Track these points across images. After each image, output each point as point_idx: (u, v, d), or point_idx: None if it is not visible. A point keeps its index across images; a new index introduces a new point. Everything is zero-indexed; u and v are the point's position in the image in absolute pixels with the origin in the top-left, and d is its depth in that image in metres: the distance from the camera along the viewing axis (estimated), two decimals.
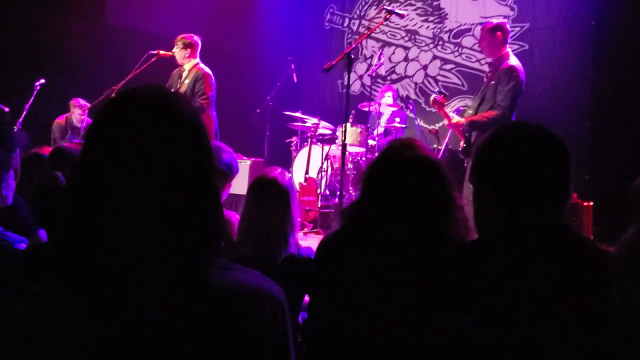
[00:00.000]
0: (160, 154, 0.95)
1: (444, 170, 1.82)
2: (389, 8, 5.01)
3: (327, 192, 6.96)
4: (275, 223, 2.23)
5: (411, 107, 7.42)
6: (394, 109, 7.23)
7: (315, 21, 9.48)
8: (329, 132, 7.21)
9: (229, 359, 0.94)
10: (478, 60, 7.78)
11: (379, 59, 6.80)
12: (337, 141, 6.87)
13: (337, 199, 5.88)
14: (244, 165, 6.66)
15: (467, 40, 7.94)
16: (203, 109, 5.56)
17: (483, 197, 1.41)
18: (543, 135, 1.36)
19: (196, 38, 5.90)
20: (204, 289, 0.96)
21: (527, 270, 1.23)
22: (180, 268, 0.94)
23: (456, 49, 8.03)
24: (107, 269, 0.94)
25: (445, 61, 8.14)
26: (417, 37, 8.42)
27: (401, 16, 5.03)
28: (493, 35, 4.73)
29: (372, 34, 8.19)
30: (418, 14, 8.38)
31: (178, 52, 5.85)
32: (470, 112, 4.91)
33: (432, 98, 4.91)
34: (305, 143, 7.25)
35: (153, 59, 5.85)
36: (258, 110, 7.66)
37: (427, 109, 8.09)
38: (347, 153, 5.67)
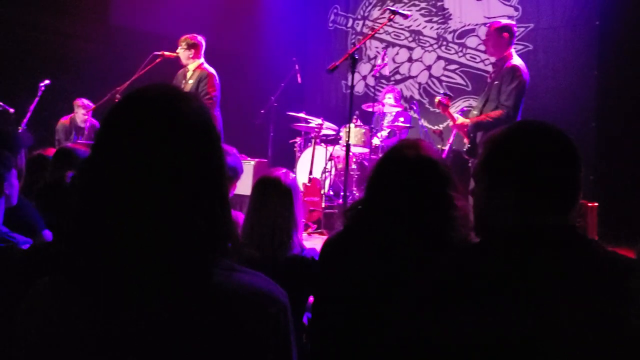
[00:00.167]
0: (170, 154, 0.95)
1: (444, 170, 1.81)
2: (392, 8, 5.00)
3: (331, 193, 6.96)
4: (279, 223, 2.23)
5: (415, 108, 7.41)
6: (398, 109, 7.22)
7: (319, 22, 9.48)
8: (332, 132, 7.21)
9: None
10: (482, 61, 7.77)
11: (383, 59, 6.80)
12: (340, 142, 6.87)
13: (341, 200, 5.88)
14: (248, 166, 6.67)
15: (471, 41, 7.92)
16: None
17: (491, 198, 1.40)
18: (554, 135, 1.36)
19: (200, 38, 5.91)
20: (207, 290, 0.95)
21: (535, 272, 1.23)
22: (183, 269, 0.94)
23: (460, 49, 8.02)
24: (110, 268, 0.94)
25: (449, 61, 8.13)
26: (421, 37, 8.42)
27: (405, 16, 5.03)
28: (500, 36, 4.73)
29: (376, 35, 8.19)
30: (422, 15, 8.38)
31: (182, 52, 5.86)
32: (474, 112, 4.91)
33: (436, 100, 4.92)
34: (309, 143, 7.25)
35: (158, 60, 5.86)
36: (262, 111, 7.66)
37: (431, 109, 8.08)
38: (351, 153, 5.67)
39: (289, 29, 9.19)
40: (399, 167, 1.84)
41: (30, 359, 0.97)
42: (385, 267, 1.76)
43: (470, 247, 1.56)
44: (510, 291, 1.22)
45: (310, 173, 6.86)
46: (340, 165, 6.95)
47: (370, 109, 6.66)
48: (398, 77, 8.59)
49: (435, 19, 8.28)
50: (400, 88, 8.16)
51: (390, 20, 4.91)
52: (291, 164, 7.41)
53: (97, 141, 0.99)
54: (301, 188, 6.27)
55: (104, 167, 0.96)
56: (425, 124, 7.62)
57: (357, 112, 6.68)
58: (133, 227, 0.93)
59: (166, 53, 5.89)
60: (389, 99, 7.23)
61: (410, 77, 8.51)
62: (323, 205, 6.57)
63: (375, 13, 8.87)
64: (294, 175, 2.41)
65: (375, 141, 6.73)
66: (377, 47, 8.81)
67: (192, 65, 5.89)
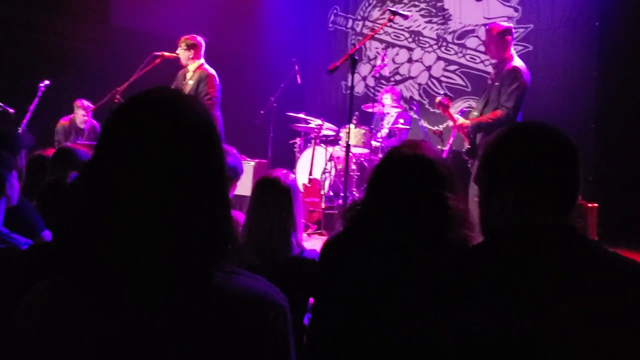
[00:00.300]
0: (171, 156, 0.95)
1: (442, 170, 1.81)
2: (392, 9, 5.00)
3: (331, 193, 6.96)
4: (277, 224, 2.23)
5: (415, 109, 7.41)
6: (398, 110, 7.23)
7: (319, 22, 9.49)
8: (332, 133, 7.21)
9: None
10: (482, 62, 7.77)
11: (383, 60, 6.80)
12: (340, 142, 6.88)
13: (340, 200, 5.88)
14: (248, 166, 6.67)
15: (471, 41, 7.93)
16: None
17: (492, 198, 1.40)
18: (553, 135, 1.36)
19: (199, 39, 5.91)
20: (206, 292, 0.96)
21: (535, 272, 1.23)
22: (183, 269, 0.95)
23: (460, 50, 8.03)
24: (110, 268, 0.94)
25: (449, 62, 8.14)
26: (420, 38, 8.42)
27: (405, 17, 5.04)
28: (503, 39, 4.76)
29: (376, 35, 8.19)
30: (422, 15, 8.38)
31: (182, 53, 5.86)
32: (475, 113, 4.91)
33: (437, 100, 4.92)
34: (309, 144, 7.25)
35: (157, 60, 5.86)
36: (262, 112, 7.66)
37: (431, 110, 8.08)
38: (350, 154, 5.67)
39: (288, 29, 9.20)
40: (397, 167, 1.84)
41: (30, 359, 0.97)
42: (385, 268, 1.76)
43: (470, 247, 1.57)
44: (511, 291, 1.22)
45: (310, 174, 6.86)
46: (340, 166, 6.95)
47: (370, 110, 6.67)
48: (398, 77, 8.60)
49: (435, 19, 8.29)
50: (400, 89, 8.16)
51: (390, 20, 4.91)
52: (291, 165, 7.41)
53: (99, 143, 1.00)
54: (301, 189, 6.27)
55: (106, 168, 0.97)
56: (425, 124, 7.62)
57: (356, 113, 6.68)
58: (134, 227, 0.93)
59: (166, 53, 5.89)
60: (386, 99, 7.23)
61: (410, 77, 8.51)
62: (323, 205, 6.57)
63: (375, 14, 8.88)
64: (294, 176, 2.42)
65: (375, 143, 6.73)
66: (377, 48, 8.82)
67: (192, 66, 5.89)
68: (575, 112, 6.65)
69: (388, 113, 7.27)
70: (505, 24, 5.03)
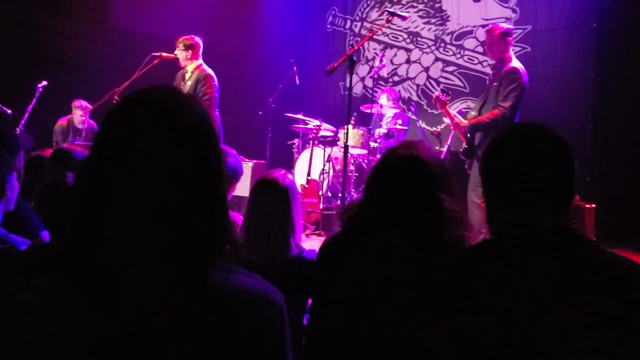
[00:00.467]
0: (169, 155, 0.95)
1: (437, 171, 1.81)
2: (391, 10, 5.01)
3: (329, 194, 6.96)
4: (276, 224, 2.23)
5: (413, 109, 7.42)
6: (396, 110, 7.23)
7: (317, 23, 9.49)
8: (330, 134, 7.21)
9: None
10: (480, 63, 7.78)
11: (381, 61, 6.80)
12: (339, 143, 6.88)
13: (339, 201, 5.88)
14: (246, 167, 6.66)
15: (469, 43, 7.94)
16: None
17: (489, 197, 1.41)
18: (549, 136, 1.36)
19: (197, 39, 5.91)
20: (204, 291, 0.96)
21: (533, 272, 1.23)
22: (182, 268, 0.95)
23: (458, 51, 8.04)
24: (109, 268, 0.94)
25: (447, 63, 8.14)
26: (419, 39, 8.43)
27: (403, 18, 5.05)
28: (504, 40, 4.79)
29: (374, 36, 8.19)
30: (420, 16, 8.39)
31: (180, 53, 5.86)
32: (473, 113, 4.93)
33: (434, 95, 4.94)
34: (307, 145, 7.25)
35: (155, 61, 5.86)
36: (260, 112, 7.67)
37: (429, 110, 8.09)
38: (349, 155, 5.67)
39: (287, 30, 9.20)
40: (392, 168, 1.85)
41: (29, 359, 0.97)
42: (381, 268, 1.76)
43: (468, 247, 1.57)
44: (509, 291, 1.22)
45: (308, 174, 6.86)
46: (338, 167, 6.95)
47: (368, 110, 6.67)
48: (396, 78, 8.60)
49: (433, 20, 8.29)
50: (398, 89, 8.17)
51: (388, 21, 4.92)
52: (289, 165, 7.41)
53: (96, 142, 1.00)
54: (299, 189, 6.27)
55: (103, 167, 0.97)
56: (424, 125, 7.63)
57: (354, 114, 6.69)
58: (132, 227, 0.94)
59: (164, 54, 5.90)
60: (383, 99, 7.23)
61: (408, 78, 8.52)
62: (321, 206, 6.57)
63: (374, 15, 8.88)
64: (292, 177, 2.42)
65: (373, 144, 6.73)
66: (375, 49, 8.82)
67: (191, 67, 5.90)
68: (573, 113, 6.66)
69: (386, 114, 7.27)
70: (506, 25, 5.05)
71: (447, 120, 5.12)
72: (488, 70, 6.46)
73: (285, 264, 2.20)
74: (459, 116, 4.97)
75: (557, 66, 7.04)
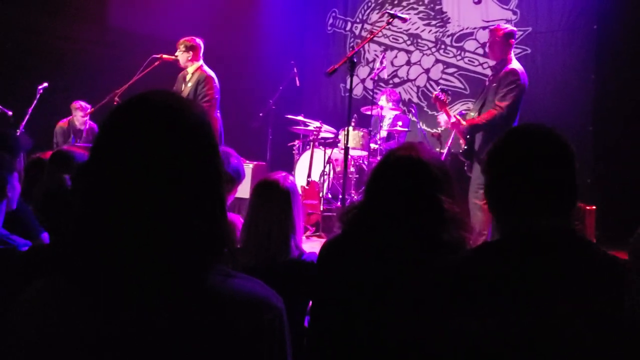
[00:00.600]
0: (169, 157, 0.96)
1: (437, 172, 1.81)
2: (391, 12, 5.00)
3: (330, 196, 6.96)
4: (276, 226, 2.23)
5: (413, 111, 7.43)
6: (396, 112, 7.23)
7: (318, 25, 9.49)
8: (331, 135, 7.22)
9: None
10: (480, 64, 7.79)
11: (381, 62, 6.81)
12: (339, 145, 6.88)
13: (339, 203, 5.88)
14: (247, 169, 6.64)
15: (470, 44, 7.94)
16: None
17: (491, 199, 1.41)
18: (545, 137, 1.37)
19: (198, 41, 5.91)
20: (203, 294, 0.96)
21: (534, 274, 1.23)
22: (182, 269, 0.95)
23: (458, 52, 8.04)
24: (110, 268, 0.94)
25: (447, 65, 8.15)
26: (419, 40, 8.43)
27: (403, 20, 5.04)
28: (507, 42, 4.80)
29: (375, 38, 8.20)
30: (420, 18, 8.40)
31: (181, 55, 5.86)
32: (472, 114, 4.93)
33: (434, 95, 4.94)
34: (308, 146, 7.26)
35: (156, 63, 5.86)
36: (261, 114, 7.67)
37: (430, 112, 8.10)
38: (349, 156, 5.67)
39: (287, 32, 9.20)
40: (392, 170, 1.85)
41: (29, 359, 0.97)
42: (382, 270, 1.76)
43: (469, 249, 1.57)
44: (509, 293, 1.22)
45: (309, 176, 6.87)
46: (338, 168, 6.95)
47: (369, 112, 6.67)
48: (396, 80, 8.61)
49: (433, 22, 8.30)
50: (398, 91, 8.17)
51: (388, 23, 4.91)
52: (290, 167, 7.42)
53: (96, 144, 1.00)
54: (299, 191, 6.27)
55: (104, 169, 0.97)
56: (424, 127, 7.63)
57: (355, 115, 6.69)
58: (133, 227, 0.94)
59: (165, 56, 5.90)
60: (382, 100, 7.24)
61: (408, 80, 8.52)
62: (321, 208, 6.57)
63: (374, 16, 8.89)
64: (293, 179, 2.42)
65: (374, 146, 6.73)
66: (375, 51, 8.83)
67: (192, 68, 5.90)
68: (573, 115, 6.67)
69: (386, 115, 7.28)
70: (510, 26, 5.05)
71: (443, 117, 5.08)
72: (488, 72, 6.46)
73: (285, 265, 2.20)
74: (459, 117, 4.97)
75: (557, 68, 7.05)
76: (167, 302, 0.94)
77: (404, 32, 8.55)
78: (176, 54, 5.89)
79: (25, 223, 2.44)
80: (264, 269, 2.08)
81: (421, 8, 8.39)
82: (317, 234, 6.35)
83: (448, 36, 8.15)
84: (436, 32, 8.27)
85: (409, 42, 8.54)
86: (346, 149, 4.52)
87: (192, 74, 5.88)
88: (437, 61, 8.25)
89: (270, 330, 0.99)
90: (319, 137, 7.05)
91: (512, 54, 4.86)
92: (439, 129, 7.64)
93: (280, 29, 9.10)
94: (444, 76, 8.16)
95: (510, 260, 1.27)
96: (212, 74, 5.84)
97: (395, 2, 8.63)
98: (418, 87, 8.42)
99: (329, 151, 6.98)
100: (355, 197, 6.52)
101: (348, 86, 4.35)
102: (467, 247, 1.75)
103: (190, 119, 1.00)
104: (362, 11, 9.07)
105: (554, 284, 1.22)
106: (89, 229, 0.96)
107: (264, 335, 0.98)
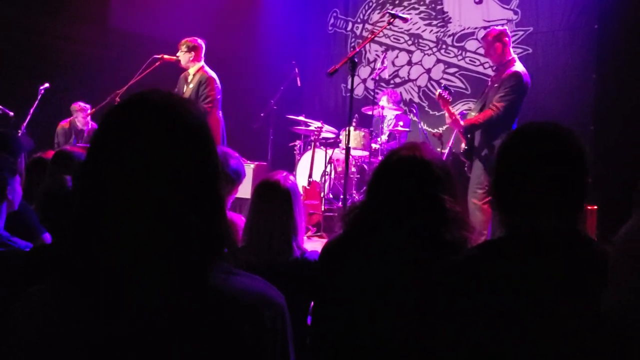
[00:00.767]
0: (167, 159, 0.96)
1: (439, 172, 1.81)
2: (392, 12, 5.01)
3: (331, 196, 6.97)
4: (278, 226, 2.23)
5: (415, 111, 7.42)
6: (398, 112, 7.23)
7: (319, 25, 9.48)
8: (332, 135, 7.22)
9: None
10: (482, 64, 7.78)
11: (383, 62, 6.80)
12: (340, 145, 6.88)
13: (340, 203, 5.88)
14: (248, 169, 6.66)
15: (471, 44, 7.94)
16: (207, 113, 5.56)
17: (496, 199, 1.41)
18: (549, 135, 1.36)
19: (200, 41, 5.91)
20: (204, 292, 0.96)
21: (535, 274, 1.23)
22: (182, 269, 0.95)
23: (459, 52, 8.04)
24: (110, 269, 0.94)
25: (448, 65, 8.14)
26: (420, 40, 8.43)
27: (404, 20, 5.04)
28: (500, 41, 4.80)
29: (376, 38, 8.19)
30: (421, 18, 8.39)
31: (182, 55, 5.86)
32: (472, 114, 4.93)
33: (437, 92, 4.93)
34: (309, 147, 7.26)
35: (157, 63, 5.86)
36: (262, 114, 7.67)
37: (431, 112, 8.09)
38: (350, 157, 5.67)
39: (288, 32, 9.20)
40: (394, 170, 1.85)
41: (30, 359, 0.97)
42: (384, 270, 1.76)
43: (471, 249, 1.57)
44: (510, 293, 1.22)
45: (310, 176, 6.86)
46: (339, 169, 6.95)
47: (370, 112, 6.67)
48: (397, 80, 8.60)
49: (434, 22, 8.29)
50: (399, 91, 8.17)
51: (389, 23, 4.91)
52: (291, 167, 7.42)
53: (94, 144, 1.00)
54: (301, 191, 6.27)
55: (102, 169, 0.97)
56: (425, 127, 7.63)
57: (356, 116, 6.69)
58: (133, 227, 0.94)
59: (166, 56, 5.89)
60: (383, 101, 7.24)
61: (409, 80, 8.51)
62: (323, 208, 6.57)
63: (375, 16, 8.88)
64: (294, 179, 2.42)
65: (375, 146, 6.73)
66: (376, 51, 8.82)
67: (193, 69, 5.90)
68: (574, 114, 6.65)
69: (388, 116, 7.27)
70: (500, 27, 5.06)
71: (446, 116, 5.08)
72: (490, 71, 6.46)
73: (287, 265, 2.20)
74: (458, 117, 4.97)
75: (558, 67, 7.04)
76: (167, 302, 0.94)
77: (405, 32, 8.55)
78: (178, 54, 5.89)
79: (26, 223, 2.44)
80: (265, 269, 2.08)
81: (422, 8, 8.39)
82: (319, 234, 6.35)
83: (449, 36, 8.15)
84: (437, 32, 8.26)
85: (410, 42, 8.54)
86: (347, 149, 4.52)
87: (194, 75, 5.88)
88: (438, 61, 8.24)
89: (272, 326, 0.99)
90: (320, 137, 7.05)
91: (515, 55, 4.86)
92: (440, 128, 7.65)
93: (281, 29, 9.09)
94: (445, 76, 8.15)
95: (512, 260, 1.27)
96: (214, 74, 5.84)
97: (396, 2, 8.63)
98: (419, 87, 8.41)
99: (330, 151, 6.98)
100: (357, 197, 6.51)
101: (349, 86, 4.35)
102: (468, 247, 1.75)
103: (189, 118, 1.01)
104: (363, 11, 9.07)
105: (555, 284, 1.22)
106: (88, 230, 0.96)
107: (265, 332, 0.98)
